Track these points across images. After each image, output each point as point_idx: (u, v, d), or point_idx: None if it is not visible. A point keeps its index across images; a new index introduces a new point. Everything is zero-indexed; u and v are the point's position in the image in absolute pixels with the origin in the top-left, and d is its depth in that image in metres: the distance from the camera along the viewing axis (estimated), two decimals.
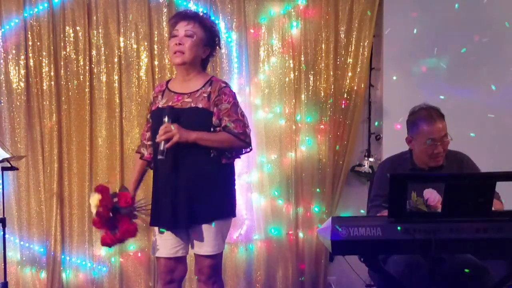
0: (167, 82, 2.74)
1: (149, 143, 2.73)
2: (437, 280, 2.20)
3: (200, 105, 2.53)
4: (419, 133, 2.73)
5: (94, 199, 2.51)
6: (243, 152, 2.67)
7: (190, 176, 2.53)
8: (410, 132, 2.81)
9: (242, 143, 2.59)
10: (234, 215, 2.71)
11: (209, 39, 2.65)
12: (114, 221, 2.52)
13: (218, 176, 2.58)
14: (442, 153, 2.71)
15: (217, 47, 2.74)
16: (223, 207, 2.60)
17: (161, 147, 2.46)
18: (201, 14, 2.75)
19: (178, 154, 2.53)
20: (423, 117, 2.74)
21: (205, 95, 2.56)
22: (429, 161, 2.73)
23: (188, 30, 2.58)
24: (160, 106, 2.62)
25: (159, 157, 2.47)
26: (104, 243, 2.56)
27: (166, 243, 2.65)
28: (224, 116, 2.55)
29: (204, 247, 2.57)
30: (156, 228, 2.66)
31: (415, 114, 2.79)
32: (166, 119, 2.48)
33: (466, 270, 2.49)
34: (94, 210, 2.51)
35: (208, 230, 2.56)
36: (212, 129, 2.56)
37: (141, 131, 3.70)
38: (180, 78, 2.66)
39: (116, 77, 3.72)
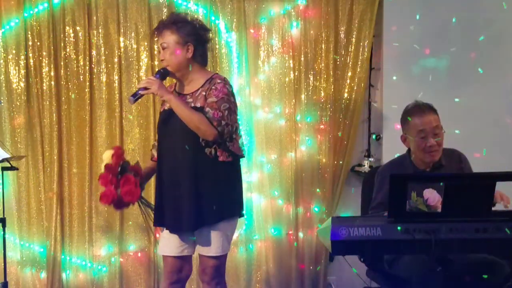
0: (176, 84, 2.73)
1: (156, 143, 2.75)
2: (451, 282, 2.19)
3: (198, 104, 2.53)
4: (410, 127, 2.73)
5: (107, 153, 2.56)
6: (214, 142, 2.50)
7: (193, 179, 2.51)
8: (403, 130, 2.81)
9: (213, 129, 2.44)
10: (240, 215, 2.69)
11: (187, 36, 2.57)
12: (120, 181, 2.52)
13: (221, 176, 2.55)
14: (436, 147, 2.67)
15: (206, 35, 2.66)
16: (227, 207, 2.58)
17: (136, 92, 2.52)
18: (170, 16, 2.71)
19: (179, 156, 2.53)
20: (413, 111, 2.75)
21: (204, 93, 2.55)
22: (424, 156, 2.70)
23: (162, 43, 2.59)
24: (166, 108, 2.63)
25: (130, 98, 2.53)
26: (104, 196, 2.52)
27: (171, 242, 2.63)
28: (207, 107, 2.49)
29: (208, 248, 2.56)
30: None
31: (406, 111, 2.81)
32: (156, 75, 2.56)
33: (485, 276, 2.43)
34: (103, 164, 2.55)
35: (212, 231, 2.54)
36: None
37: (141, 131, 3.74)
38: (183, 82, 2.66)
39: (116, 77, 3.72)
